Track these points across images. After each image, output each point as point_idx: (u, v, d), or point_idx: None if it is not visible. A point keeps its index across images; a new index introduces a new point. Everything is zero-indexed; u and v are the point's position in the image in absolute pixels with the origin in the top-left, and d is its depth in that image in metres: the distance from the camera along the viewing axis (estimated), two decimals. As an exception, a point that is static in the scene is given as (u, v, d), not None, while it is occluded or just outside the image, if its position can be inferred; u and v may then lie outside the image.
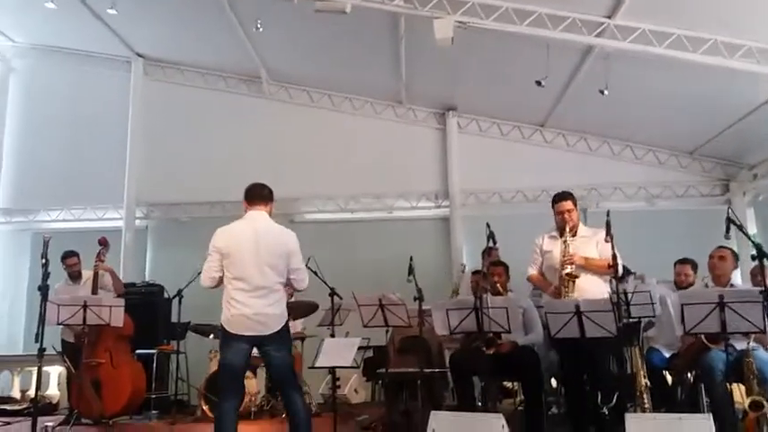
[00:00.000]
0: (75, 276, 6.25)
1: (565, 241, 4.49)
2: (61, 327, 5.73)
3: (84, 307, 5.33)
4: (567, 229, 4.53)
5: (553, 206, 4.70)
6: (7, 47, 10.30)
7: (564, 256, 4.43)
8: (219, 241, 4.03)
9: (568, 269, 4.40)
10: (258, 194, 4.16)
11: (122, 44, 9.56)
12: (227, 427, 3.81)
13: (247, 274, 3.94)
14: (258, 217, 4.10)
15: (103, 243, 6.16)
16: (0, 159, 10.15)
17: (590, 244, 4.57)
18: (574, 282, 4.39)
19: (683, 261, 5.59)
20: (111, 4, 7.74)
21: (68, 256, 6.26)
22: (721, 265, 4.84)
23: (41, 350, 4.59)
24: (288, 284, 4.11)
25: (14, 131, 10.32)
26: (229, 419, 3.83)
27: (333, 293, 6.06)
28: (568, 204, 4.61)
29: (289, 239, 4.10)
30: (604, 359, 4.43)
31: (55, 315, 5.24)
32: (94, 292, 5.88)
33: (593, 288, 4.45)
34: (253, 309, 3.91)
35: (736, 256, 5.00)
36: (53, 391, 7.46)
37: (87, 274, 6.11)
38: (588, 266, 4.48)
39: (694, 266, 5.52)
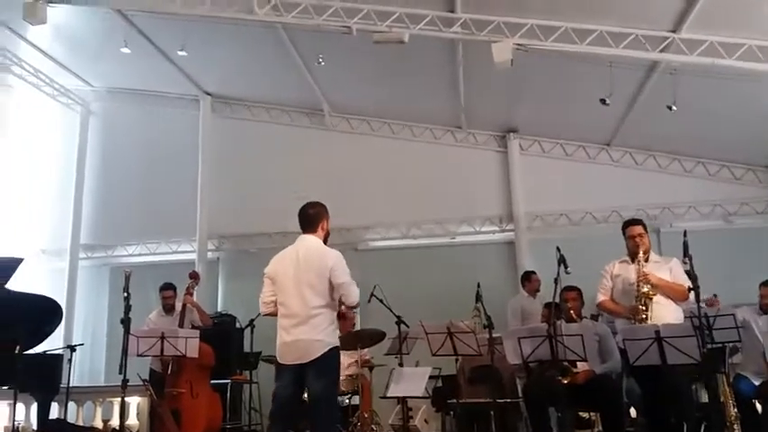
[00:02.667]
0: (169, 308, 6.47)
1: (639, 261, 4.50)
2: (151, 357, 5.95)
3: (162, 339, 5.52)
4: (641, 252, 4.52)
5: (624, 231, 4.75)
6: (87, 91, 10.93)
7: (640, 276, 4.42)
8: (269, 267, 4.05)
9: (645, 288, 4.39)
10: (302, 219, 4.09)
11: (191, 83, 9.99)
12: None
13: (287, 299, 3.91)
14: (303, 240, 4.04)
15: (194, 276, 6.37)
16: (80, 198, 10.72)
17: (663, 270, 4.54)
18: (651, 299, 4.37)
19: (767, 283, 5.36)
20: (180, 46, 8.12)
21: (166, 288, 6.50)
22: None
23: (125, 381, 4.77)
24: (339, 304, 3.95)
25: (94, 171, 10.91)
26: None
27: (399, 321, 6.04)
28: (639, 229, 4.66)
29: (328, 256, 3.94)
30: (687, 388, 4.26)
31: (135, 347, 5.45)
32: (181, 324, 6.08)
33: (668, 314, 4.38)
34: (292, 336, 3.85)
35: None
36: (132, 420, 7.71)
37: (179, 306, 6.32)
38: (663, 287, 4.44)
39: None
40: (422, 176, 9.57)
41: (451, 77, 8.15)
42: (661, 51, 6.30)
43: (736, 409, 4.73)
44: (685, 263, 4.18)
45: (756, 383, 5.03)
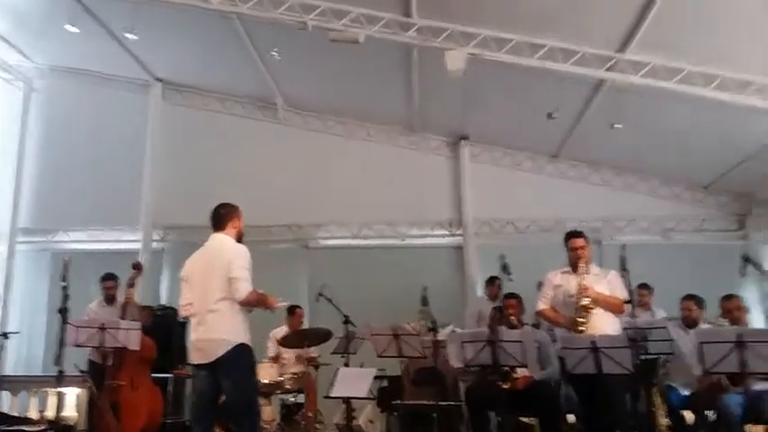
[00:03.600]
0: (110, 299, 6.32)
1: (579, 275, 4.59)
2: (90, 348, 5.79)
3: (102, 329, 5.38)
4: (581, 265, 4.63)
5: (566, 243, 4.81)
6: (28, 67, 10.45)
7: (580, 289, 4.51)
8: (183, 269, 4.13)
9: (585, 301, 4.49)
10: (213, 218, 4.17)
11: (142, 68, 9.72)
12: None
13: (194, 298, 3.96)
14: (212, 239, 4.11)
15: (137, 267, 6.17)
16: (21, 179, 10.27)
17: (601, 282, 4.65)
18: (589, 312, 4.48)
19: (688, 297, 5.61)
20: (130, 28, 7.88)
21: (107, 278, 6.35)
22: (741, 316, 4.90)
23: (60, 372, 4.64)
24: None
25: (35, 151, 10.45)
26: None
27: (347, 321, 6.07)
28: (581, 241, 4.73)
29: (230, 249, 3.98)
30: (621, 397, 4.42)
31: (74, 337, 5.29)
32: (123, 316, 5.91)
33: (606, 325, 4.52)
34: (197, 334, 3.91)
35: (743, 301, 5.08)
36: (71, 412, 7.46)
37: (121, 297, 6.16)
38: (601, 301, 4.56)
39: (699, 302, 5.54)
40: (374, 177, 9.61)
41: (406, 81, 8.22)
42: (607, 70, 6.52)
43: (667, 419, 4.99)
44: (623, 276, 4.40)
45: (685, 394, 5.29)
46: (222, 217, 4.15)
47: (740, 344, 3.77)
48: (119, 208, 9.77)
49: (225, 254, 3.94)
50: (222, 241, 4.07)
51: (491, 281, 7.62)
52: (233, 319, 3.86)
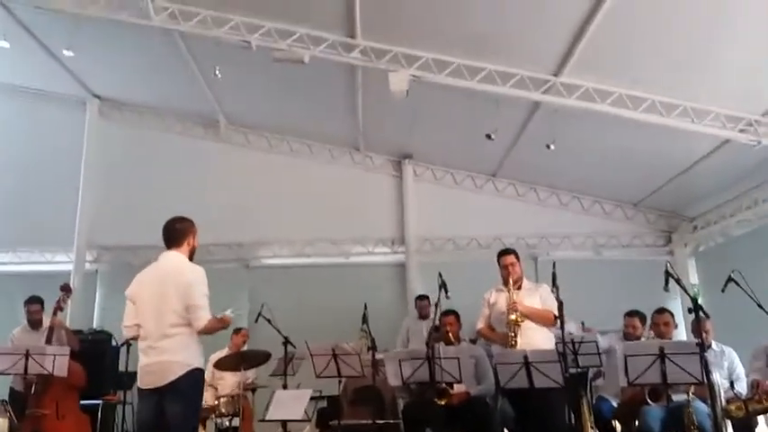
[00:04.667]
0: (35, 324, 6.01)
1: (509, 290, 4.73)
2: (12, 375, 5.51)
3: (27, 356, 5.14)
4: (511, 281, 4.77)
5: (498, 260, 4.96)
6: (-45, 82, 10.06)
7: (509, 304, 4.65)
8: (129, 288, 3.88)
9: (513, 315, 4.62)
10: (167, 234, 3.90)
11: (78, 84, 9.49)
12: None
13: (144, 320, 3.71)
14: (165, 258, 3.86)
15: (65, 289, 5.91)
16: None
17: (533, 296, 4.81)
18: (519, 326, 4.60)
19: (632, 314, 5.75)
20: (67, 45, 7.68)
21: (32, 302, 6.03)
22: (667, 331, 5.09)
23: (-22, 400, 4.41)
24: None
25: (-40, 169, 10.01)
26: None
27: (286, 342, 6.01)
28: (511, 258, 4.88)
29: (188, 272, 3.75)
30: (559, 410, 4.45)
31: (-5, 364, 5.05)
32: (49, 341, 5.66)
33: (539, 339, 4.63)
34: (149, 357, 3.66)
35: (673, 316, 5.28)
36: (-11, 444, 7.09)
37: (47, 322, 5.88)
38: (531, 314, 4.69)
39: (642, 318, 5.70)
40: (318, 195, 9.62)
41: (351, 101, 8.28)
42: (543, 93, 6.72)
43: (594, 430, 5.13)
44: (553, 291, 4.52)
45: (615, 404, 5.44)
46: (177, 233, 3.89)
47: (662, 357, 3.94)
48: (50, 228, 9.46)
49: (182, 277, 3.71)
50: (178, 261, 3.82)
51: (420, 299, 7.76)
52: (189, 344, 3.69)
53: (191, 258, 3.91)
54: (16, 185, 9.72)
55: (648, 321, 5.56)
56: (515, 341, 4.55)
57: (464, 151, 9.10)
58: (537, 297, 4.76)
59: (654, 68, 6.24)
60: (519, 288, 4.81)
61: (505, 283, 4.80)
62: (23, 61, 8.82)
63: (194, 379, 3.68)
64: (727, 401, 4.54)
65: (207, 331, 3.72)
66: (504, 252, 4.97)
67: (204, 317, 3.66)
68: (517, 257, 4.93)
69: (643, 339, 5.57)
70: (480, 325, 4.99)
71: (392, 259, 9.58)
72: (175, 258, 3.84)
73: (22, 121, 10.00)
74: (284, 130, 9.86)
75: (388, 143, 9.62)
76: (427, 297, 7.66)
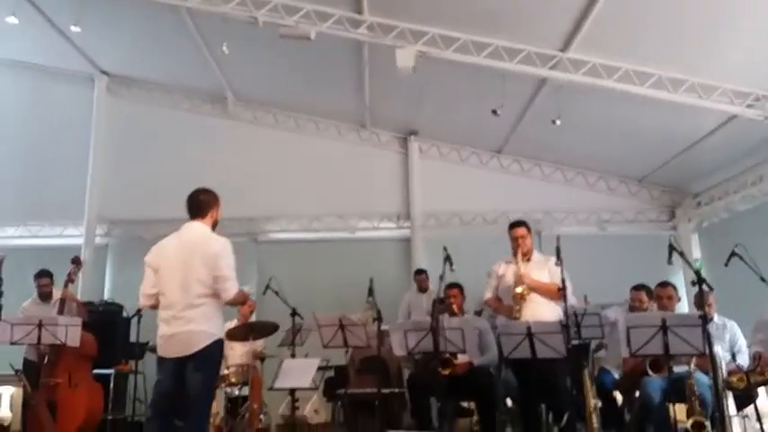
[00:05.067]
0: (45, 296, 6.15)
1: (517, 263, 4.77)
2: (26, 345, 5.65)
3: (39, 326, 5.26)
4: (520, 254, 4.81)
5: (509, 232, 4.98)
6: (-33, 59, 10.11)
7: (516, 277, 4.70)
8: (149, 256, 3.86)
9: (519, 289, 4.67)
10: (191, 205, 3.92)
11: (86, 60, 9.51)
12: None
13: (169, 289, 3.71)
14: (189, 227, 3.87)
15: (76, 262, 6.01)
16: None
17: (542, 269, 4.84)
18: (524, 299, 4.65)
19: (638, 287, 5.80)
20: (74, 20, 7.69)
21: (42, 275, 6.16)
22: (670, 304, 5.11)
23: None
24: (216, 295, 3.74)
25: (-29, 145, 10.11)
26: None
27: (294, 313, 6.11)
28: (522, 231, 4.91)
29: (215, 243, 3.76)
30: (562, 380, 4.55)
31: (8, 334, 5.16)
32: (61, 312, 5.76)
33: (546, 311, 4.69)
34: (173, 327, 3.67)
35: (675, 288, 5.29)
36: (5, 412, 7.28)
37: (57, 294, 6.01)
38: (537, 288, 4.74)
39: (649, 293, 5.73)
40: (325, 171, 9.68)
41: (357, 77, 8.28)
42: (550, 69, 6.71)
43: (596, 400, 5.23)
44: (557, 265, 4.57)
45: (616, 376, 5.53)
46: (202, 204, 3.90)
47: (664, 328, 4.01)
48: (61, 203, 9.56)
49: (209, 248, 3.72)
50: (202, 232, 3.82)
51: (418, 272, 7.87)
52: (214, 315, 3.73)
53: (213, 230, 3.93)
54: (26, 161, 9.81)
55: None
56: (519, 314, 4.61)
57: (469, 128, 9.11)
58: (546, 270, 4.79)
59: (661, 44, 6.22)
60: (528, 260, 4.85)
61: (515, 255, 4.84)
62: (32, 38, 8.84)
63: (217, 348, 3.75)
64: (729, 373, 4.60)
65: (233, 302, 3.82)
66: (515, 224, 4.98)
67: (232, 288, 3.71)
68: (528, 230, 4.96)
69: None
70: (488, 295, 5.04)
71: (398, 234, 9.64)
72: (199, 229, 3.85)
73: (31, 97, 10.05)
74: (291, 107, 9.88)
75: (395, 120, 9.63)
76: (425, 271, 7.79)
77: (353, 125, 9.93)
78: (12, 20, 7.73)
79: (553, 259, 4.71)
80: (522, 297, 4.65)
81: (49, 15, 8.19)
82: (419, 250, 9.32)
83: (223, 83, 9.35)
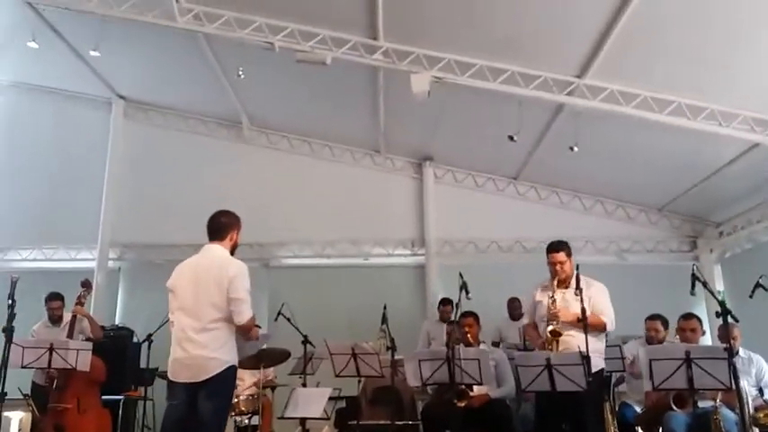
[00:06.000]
0: (55, 319, 6.11)
1: (551, 296, 4.35)
2: (34, 369, 5.60)
3: (51, 350, 5.22)
4: (555, 283, 4.40)
5: (547, 256, 4.55)
6: (-12, 84, 10.29)
7: (549, 312, 4.31)
8: (171, 278, 3.81)
9: (551, 327, 4.28)
10: (211, 227, 3.86)
11: (104, 85, 9.64)
12: None
13: (184, 312, 3.65)
14: (207, 250, 3.82)
15: (86, 285, 6.01)
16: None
17: (582, 298, 4.32)
18: (557, 340, 4.28)
19: (653, 317, 5.65)
20: (94, 45, 7.81)
21: (53, 298, 6.13)
22: (694, 337, 4.93)
23: (3, 394, 4.47)
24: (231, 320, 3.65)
25: (-11, 167, 10.22)
26: None
27: (305, 341, 6.03)
28: (561, 256, 4.47)
29: (231, 266, 3.69)
30: (586, 414, 4.26)
31: (19, 358, 5.12)
32: (70, 336, 5.74)
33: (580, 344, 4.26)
34: (186, 352, 3.59)
35: (700, 321, 5.11)
36: (13, 437, 7.19)
37: (68, 317, 5.97)
38: (573, 325, 4.31)
39: (664, 322, 5.59)
40: (339, 197, 9.65)
41: (372, 102, 8.29)
42: (567, 95, 6.65)
43: (617, 434, 5.06)
44: (577, 295, 4.36)
45: (638, 410, 5.36)
46: (223, 226, 3.85)
47: (688, 361, 3.86)
48: (75, 226, 9.60)
49: (226, 270, 3.65)
50: (220, 255, 3.76)
51: (444, 303, 7.66)
52: (227, 340, 3.65)
53: (232, 253, 3.87)
54: (42, 184, 9.90)
55: (675, 326, 5.45)
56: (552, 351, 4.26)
57: (485, 154, 9.06)
58: (587, 299, 4.25)
59: (680, 70, 6.16)
60: (566, 287, 4.41)
61: (552, 280, 4.42)
62: (51, 62, 8.98)
63: (230, 376, 3.66)
64: (756, 409, 4.46)
65: (246, 328, 3.70)
66: (552, 247, 4.50)
67: (246, 311, 3.64)
68: (568, 254, 4.49)
69: (666, 343, 5.46)
70: (526, 321, 4.80)
71: (412, 261, 9.55)
72: (218, 252, 3.79)
73: (49, 121, 10.18)
74: (306, 132, 9.90)
75: (409, 145, 9.60)
76: (451, 302, 7.55)
77: (368, 150, 9.92)
78: (32, 44, 7.90)
79: (595, 286, 4.47)
80: (555, 335, 4.27)
81: (68, 40, 8.33)
82: (433, 277, 9.20)
83: (238, 108, 9.40)
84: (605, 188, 9.12)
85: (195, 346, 3.59)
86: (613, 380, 5.58)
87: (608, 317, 4.44)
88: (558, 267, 4.46)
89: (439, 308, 7.81)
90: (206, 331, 3.60)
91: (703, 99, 6.34)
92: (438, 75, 6.73)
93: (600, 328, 4.38)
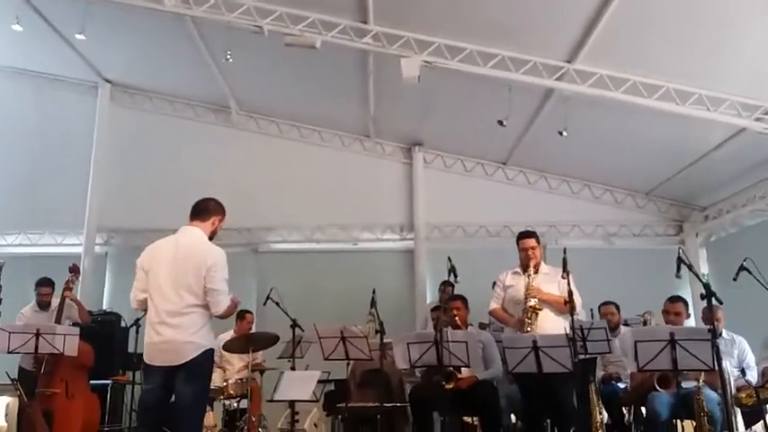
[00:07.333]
0: (44, 305, 6.09)
1: (529, 275, 4.65)
2: (21, 354, 5.57)
3: (37, 335, 5.18)
4: (531, 266, 4.69)
5: (518, 243, 4.87)
6: (-30, 67, 10.12)
7: (528, 290, 4.58)
8: (142, 257, 3.76)
9: (532, 302, 4.55)
10: (195, 209, 3.84)
11: (90, 69, 9.50)
12: None
13: (159, 294, 3.59)
14: (186, 231, 3.77)
15: (74, 270, 5.98)
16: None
17: (552, 282, 4.69)
18: (537, 314, 4.54)
19: (607, 303, 6.06)
20: (80, 29, 7.69)
21: (44, 284, 6.09)
22: (677, 320, 4.99)
23: (-11, 378, 4.45)
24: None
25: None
26: None
27: (294, 325, 6.03)
28: (532, 242, 4.79)
29: (210, 253, 3.64)
30: (569, 395, 4.42)
31: (5, 343, 5.08)
32: (58, 321, 5.71)
33: (552, 325, 4.55)
34: (161, 336, 3.55)
35: (686, 304, 5.18)
36: (0, 422, 7.17)
37: (56, 302, 5.94)
38: (549, 301, 4.62)
39: (617, 307, 5.98)
40: (328, 182, 9.63)
41: (362, 87, 8.24)
42: (556, 80, 6.65)
43: (602, 416, 5.13)
44: (564, 278, 4.46)
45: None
46: (208, 209, 3.83)
47: (672, 342, 3.91)
48: (61, 211, 9.50)
49: (203, 257, 3.61)
50: (199, 240, 3.72)
51: (445, 284, 7.64)
52: (203, 324, 3.62)
53: (210, 239, 3.83)
54: (28, 169, 9.78)
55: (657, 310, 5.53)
56: (532, 327, 4.49)
57: (475, 139, 9.05)
58: (555, 283, 4.63)
59: (668, 56, 6.17)
60: (536, 272, 4.70)
61: (525, 267, 4.73)
62: (36, 46, 8.84)
63: (206, 359, 3.64)
64: (738, 389, 4.53)
65: (224, 316, 3.70)
66: (524, 235, 4.86)
67: (224, 302, 3.62)
68: (538, 241, 4.84)
69: (623, 327, 5.77)
70: (494, 305, 4.92)
71: (401, 246, 9.56)
72: (197, 235, 3.75)
73: (34, 105, 10.03)
74: (295, 117, 9.84)
75: (399, 130, 9.57)
76: (452, 284, 7.60)
77: (357, 135, 9.87)
78: (16, 27, 7.76)
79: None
80: (534, 310, 4.52)
81: (53, 23, 8.19)
82: (422, 262, 9.23)
83: (227, 92, 9.32)
84: (594, 173, 9.16)
85: (171, 330, 3.55)
86: (599, 361, 5.64)
87: (578, 299, 4.62)
88: (530, 253, 4.74)
89: (440, 289, 7.81)
90: (181, 315, 3.56)
91: (691, 84, 6.37)
92: (428, 59, 6.71)
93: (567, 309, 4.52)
